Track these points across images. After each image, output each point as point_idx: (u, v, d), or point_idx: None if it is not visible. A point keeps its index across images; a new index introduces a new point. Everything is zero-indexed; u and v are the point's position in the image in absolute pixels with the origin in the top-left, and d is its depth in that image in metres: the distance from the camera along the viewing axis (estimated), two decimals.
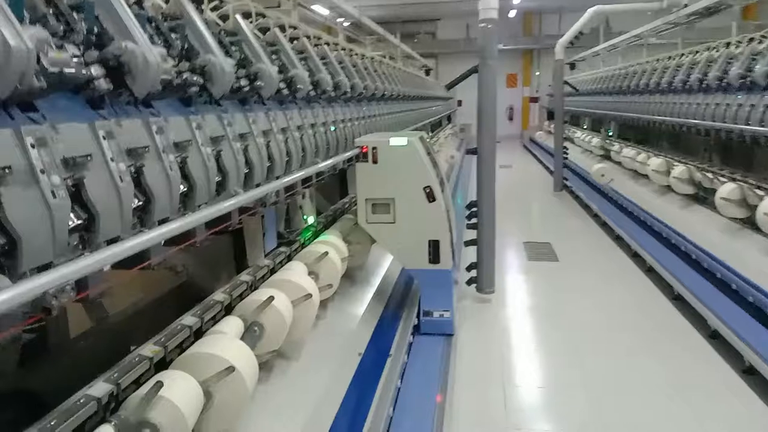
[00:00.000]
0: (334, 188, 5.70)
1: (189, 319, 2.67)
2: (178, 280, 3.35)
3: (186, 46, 2.34)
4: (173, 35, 2.30)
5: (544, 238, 7.92)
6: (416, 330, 4.41)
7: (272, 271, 3.51)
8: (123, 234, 1.85)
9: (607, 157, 11.91)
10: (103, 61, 1.80)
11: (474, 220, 5.37)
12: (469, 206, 5.51)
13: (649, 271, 6.42)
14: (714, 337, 4.64)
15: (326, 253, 3.81)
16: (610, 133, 12.39)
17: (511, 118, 23.88)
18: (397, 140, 4.26)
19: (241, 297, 3.08)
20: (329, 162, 3.83)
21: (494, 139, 5.04)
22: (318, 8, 7.93)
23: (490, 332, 4.80)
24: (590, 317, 5.19)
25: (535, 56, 24.12)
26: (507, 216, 8.87)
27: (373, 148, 4.27)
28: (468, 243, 5.50)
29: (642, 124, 9.66)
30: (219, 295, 2.93)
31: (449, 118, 20.39)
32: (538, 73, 23.87)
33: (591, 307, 5.43)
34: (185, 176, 2.25)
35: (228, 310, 2.91)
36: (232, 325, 2.77)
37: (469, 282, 5.46)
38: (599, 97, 12.60)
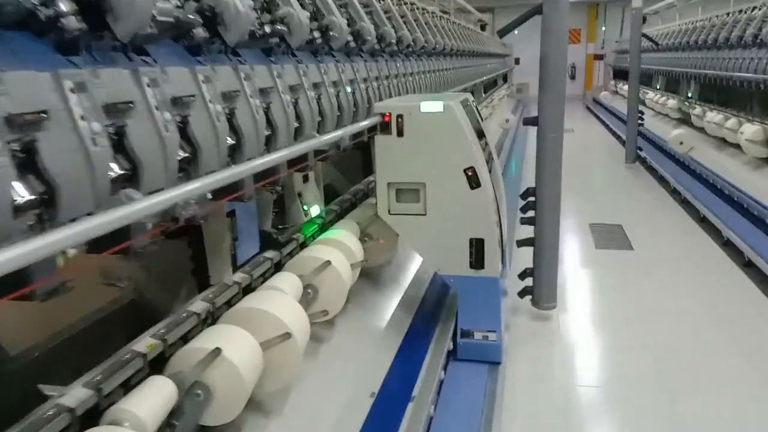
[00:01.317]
0: (356, 164, 4.66)
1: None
2: (103, 308, 2.43)
3: None
4: None
5: (615, 219, 6.70)
6: (451, 355, 3.38)
7: (247, 291, 2.53)
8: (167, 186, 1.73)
9: (685, 121, 10.45)
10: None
11: (530, 214, 4.09)
12: (525, 195, 4.12)
13: (748, 266, 5.18)
14: None
15: (328, 262, 2.81)
16: (690, 95, 10.83)
17: (573, 77, 22.04)
18: (431, 105, 3.17)
19: (187, 338, 2.12)
20: (334, 134, 2.79)
21: (562, 106, 3.81)
22: None
23: (549, 363, 3.69)
24: (681, 339, 4.01)
25: (600, 10, 22.16)
26: (569, 190, 7.69)
27: (398, 116, 3.20)
28: (521, 243, 4.22)
29: (729, 83, 8.21)
30: (140, 345, 1.97)
31: (505, 78, 18.94)
32: (604, 29, 21.91)
33: (680, 322, 4.24)
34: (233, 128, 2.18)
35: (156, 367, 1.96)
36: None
37: (522, 293, 4.22)
38: (676, 53, 11.04)
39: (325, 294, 2.87)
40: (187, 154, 1.94)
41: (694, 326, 4.17)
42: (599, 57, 21.24)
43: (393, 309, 3.72)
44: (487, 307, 3.34)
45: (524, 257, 4.30)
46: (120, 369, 1.84)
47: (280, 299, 2.38)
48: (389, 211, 3.35)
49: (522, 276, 4.18)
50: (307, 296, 2.82)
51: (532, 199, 4.01)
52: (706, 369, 3.62)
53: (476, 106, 3.84)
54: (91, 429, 1.60)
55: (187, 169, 1.95)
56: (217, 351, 1.92)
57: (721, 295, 4.73)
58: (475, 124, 3.44)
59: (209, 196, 1.96)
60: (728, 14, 8.60)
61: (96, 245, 1.51)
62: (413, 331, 3.53)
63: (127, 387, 1.86)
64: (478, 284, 3.30)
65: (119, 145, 1.64)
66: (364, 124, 3.17)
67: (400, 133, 3.21)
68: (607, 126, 14.46)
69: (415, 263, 4.30)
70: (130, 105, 1.67)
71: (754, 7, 7.54)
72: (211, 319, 2.27)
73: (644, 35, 9.38)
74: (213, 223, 2.33)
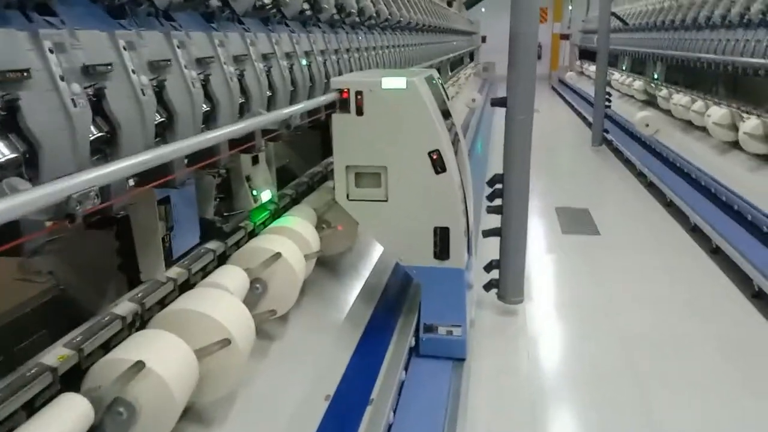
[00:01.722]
0: (313, 145, 4.37)
1: None
2: (15, 308, 2.12)
3: None
4: None
5: (581, 203, 6.55)
6: (413, 351, 3.16)
7: (185, 288, 2.25)
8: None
9: (651, 103, 10.39)
10: None
11: (498, 202, 3.77)
12: (492, 182, 3.78)
13: (715, 252, 5.09)
14: None
15: (278, 254, 2.54)
16: (656, 76, 10.76)
17: (539, 57, 21.94)
18: (393, 81, 2.90)
19: (109, 346, 1.84)
20: (283, 112, 2.50)
21: (532, 86, 3.55)
22: None
23: (515, 358, 3.48)
24: (651, 328, 3.86)
25: None
26: (535, 173, 7.57)
27: (357, 93, 2.92)
28: (487, 233, 3.89)
29: (695, 65, 8.13)
30: (51, 356, 1.68)
31: (471, 56, 18.71)
32: (570, 8, 21.79)
33: (649, 311, 4.10)
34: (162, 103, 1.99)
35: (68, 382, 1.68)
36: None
37: (488, 287, 3.90)
38: (643, 33, 10.94)
39: (275, 289, 2.61)
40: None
41: (663, 315, 4.03)
42: (565, 37, 21.15)
43: (352, 301, 3.48)
44: (451, 300, 3.11)
45: (489, 248, 4.08)
46: (23, 387, 1.56)
47: (219, 298, 2.11)
48: (348, 197, 3.09)
49: (488, 268, 3.90)
50: (255, 292, 2.56)
51: (499, 186, 3.74)
52: (677, 358, 3.48)
53: (442, 84, 3.58)
54: None
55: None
56: (139, 364, 1.65)
57: (690, 283, 4.62)
58: (441, 103, 3.19)
59: (131, 182, 1.67)
60: None
61: None
62: (373, 326, 3.30)
63: (32, 408, 1.58)
64: (442, 276, 3.07)
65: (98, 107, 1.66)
66: (320, 100, 2.89)
67: (359, 112, 2.93)
68: (572, 107, 14.38)
69: (377, 250, 4.06)
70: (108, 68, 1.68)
71: None
72: (139, 322, 1.99)
73: (613, 14, 9.21)
74: (141, 211, 2.04)
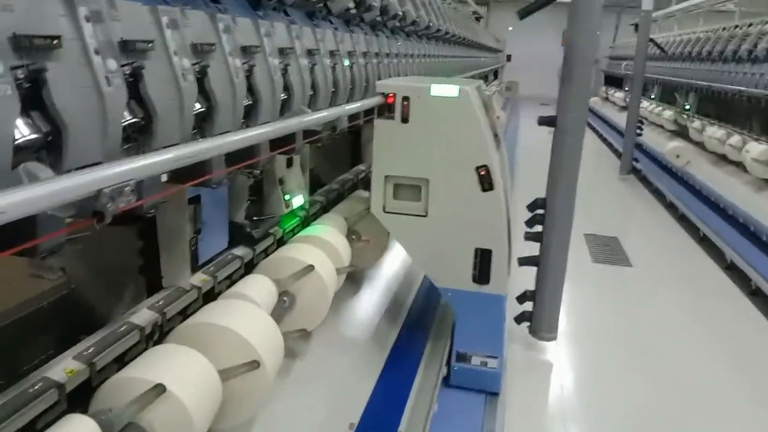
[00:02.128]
0: (343, 151, 4.16)
1: None
2: (25, 304, 1.91)
3: None
4: None
5: (610, 232, 6.30)
6: (444, 380, 2.92)
7: (209, 297, 2.04)
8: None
9: (680, 134, 10.14)
10: None
11: (537, 229, 3.46)
12: (533, 206, 3.46)
13: (755, 294, 4.82)
14: None
15: (311, 266, 2.32)
16: (687, 107, 10.51)
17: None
18: (443, 88, 2.69)
19: (123, 360, 1.62)
20: (331, 111, 2.29)
21: (586, 106, 3.34)
22: None
23: (548, 395, 3.21)
24: (689, 373, 3.61)
25: None
26: None
27: (404, 98, 2.71)
28: (524, 261, 3.53)
29: (731, 98, 7.89)
30: (57, 370, 1.46)
31: (496, 74, 18.51)
32: (598, 33, 21.55)
33: (688, 355, 3.84)
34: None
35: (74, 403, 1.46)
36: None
37: (520, 319, 3.56)
38: (676, 63, 10.71)
39: (304, 303, 2.39)
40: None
41: (703, 360, 3.78)
42: None
43: (377, 318, 3.25)
44: (488, 328, 2.89)
45: (521, 277, 3.77)
46: (26, 405, 1.35)
47: (249, 313, 1.89)
48: (384, 209, 2.87)
49: (521, 299, 3.54)
50: (282, 305, 2.34)
51: (540, 212, 3.43)
52: (715, 407, 3.23)
53: (488, 96, 3.37)
54: None
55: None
56: (159, 387, 1.43)
57: (730, 327, 4.36)
58: (490, 117, 2.98)
59: (164, 178, 1.46)
60: (736, 27, 8.28)
61: None
62: (400, 348, 3.07)
63: (32, 431, 1.36)
64: (480, 302, 2.84)
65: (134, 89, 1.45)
66: (363, 104, 2.68)
67: (404, 119, 2.73)
68: (596, 132, 14.14)
69: (402, 264, 3.83)
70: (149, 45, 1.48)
71: (766, 22, 7.23)
72: (158, 334, 1.78)
73: (652, 41, 8.97)
74: (169, 211, 1.83)
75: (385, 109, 2.73)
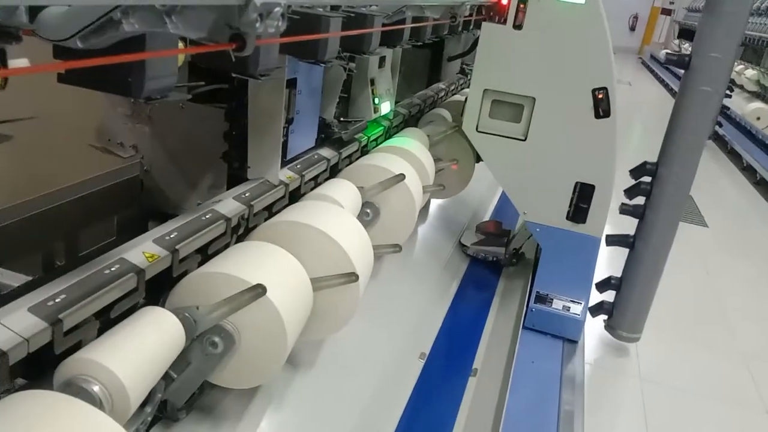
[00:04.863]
0: (421, 68, 3.82)
1: None
2: (92, 181, 1.70)
3: None
4: None
5: None
6: (519, 322, 2.69)
7: (294, 196, 1.80)
8: None
9: (762, 96, 9.46)
10: None
11: (638, 202, 2.62)
12: (638, 171, 2.60)
13: None
14: None
15: (402, 175, 2.06)
16: None
17: (633, 29, 20.54)
18: None
19: (206, 252, 1.41)
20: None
21: (739, 37, 2.36)
22: None
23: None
24: None
25: None
26: (627, 149, 7.00)
27: (521, 0, 2.36)
28: (613, 240, 2.72)
29: None
30: (135, 253, 1.25)
31: None
32: None
33: None
34: None
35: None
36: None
37: (596, 310, 2.78)
38: (762, 18, 9.87)
39: (387, 218, 2.14)
40: None
41: None
42: (667, 12, 19.67)
43: (448, 248, 3.01)
44: (577, 272, 2.62)
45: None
46: (97, 289, 1.13)
47: (343, 219, 1.65)
48: (477, 128, 2.58)
49: (602, 286, 2.79)
50: (365, 218, 2.10)
51: (646, 179, 2.60)
52: None
53: None
54: (18, 393, 0.89)
55: None
56: (259, 288, 1.20)
57: None
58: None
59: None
60: None
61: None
62: (470, 283, 2.84)
63: (106, 321, 1.16)
64: (572, 242, 2.57)
65: None
66: None
67: (518, 25, 2.38)
68: (665, 85, 13.36)
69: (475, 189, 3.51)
70: None
71: None
72: (243, 228, 1.55)
73: None
74: (264, 91, 1.56)
75: (497, 11, 2.39)
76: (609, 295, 2.79)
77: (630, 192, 2.66)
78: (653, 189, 2.57)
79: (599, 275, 2.83)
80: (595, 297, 2.76)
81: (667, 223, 2.62)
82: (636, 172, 2.64)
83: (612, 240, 2.75)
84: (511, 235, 3.12)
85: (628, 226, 2.71)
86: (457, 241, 3.10)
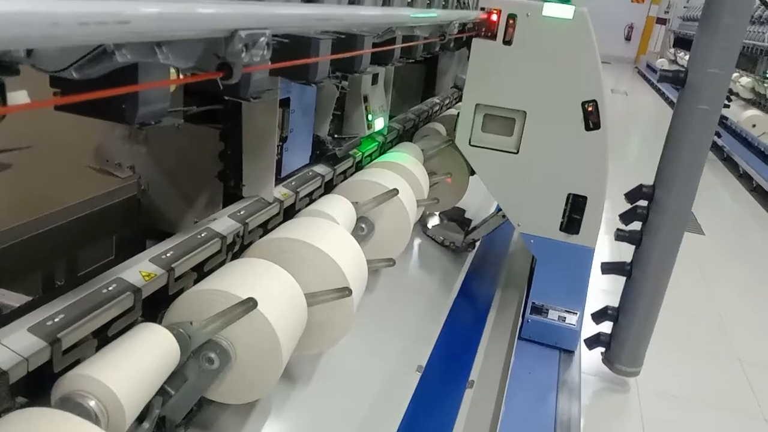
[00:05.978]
0: (414, 83, 3.87)
1: None
2: (89, 202, 1.74)
3: None
4: None
5: None
6: (515, 334, 2.71)
7: (289, 213, 1.83)
8: None
9: (757, 103, 9.53)
10: None
11: (634, 227, 2.53)
12: (632, 195, 2.50)
13: None
14: None
15: (395, 191, 2.10)
16: None
17: (628, 39, 20.70)
18: (556, 8, 2.38)
19: (202, 270, 1.44)
20: (444, 13, 2.01)
21: (736, 53, 2.22)
22: None
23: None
24: None
25: None
26: (622, 159, 7.07)
27: (510, 16, 2.41)
28: (608, 267, 2.63)
29: None
30: (132, 272, 1.28)
31: None
32: None
33: None
34: None
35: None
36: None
37: (592, 342, 2.70)
38: (757, 27, 9.96)
39: (382, 233, 2.17)
40: None
41: None
42: (662, 21, 19.82)
43: (441, 259, 3.04)
44: (571, 282, 2.65)
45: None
46: (95, 308, 1.16)
47: (335, 235, 1.68)
48: (470, 142, 2.62)
49: (598, 317, 2.67)
50: (360, 232, 2.13)
51: (642, 203, 2.50)
52: None
53: None
54: (15, 412, 0.92)
55: None
56: (250, 302, 1.23)
57: None
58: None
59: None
60: None
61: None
62: (466, 295, 2.86)
63: (104, 339, 1.19)
64: (566, 253, 2.60)
65: None
66: (461, 15, 2.38)
67: (507, 41, 2.43)
68: (662, 94, 13.45)
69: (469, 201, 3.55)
70: None
71: None
72: (239, 246, 1.58)
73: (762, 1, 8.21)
74: (258, 111, 1.60)
75: (486, 28, 2.44)
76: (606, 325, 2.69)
77: (625, 217, 2.55)
78: (650, 213, 2.47)
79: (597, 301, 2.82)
80: (592, 307, 2.78)
81: (666, 250, 2.49)
82: (631, 196, 2.53)
83: (607, 268, 2.64)
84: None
85: (626, 248, 2.65)
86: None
